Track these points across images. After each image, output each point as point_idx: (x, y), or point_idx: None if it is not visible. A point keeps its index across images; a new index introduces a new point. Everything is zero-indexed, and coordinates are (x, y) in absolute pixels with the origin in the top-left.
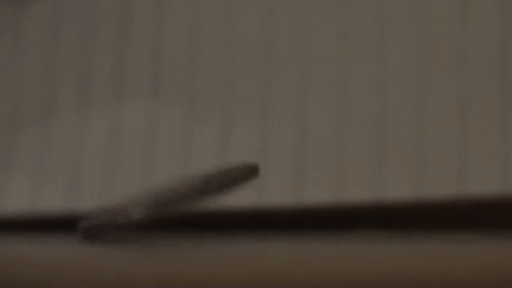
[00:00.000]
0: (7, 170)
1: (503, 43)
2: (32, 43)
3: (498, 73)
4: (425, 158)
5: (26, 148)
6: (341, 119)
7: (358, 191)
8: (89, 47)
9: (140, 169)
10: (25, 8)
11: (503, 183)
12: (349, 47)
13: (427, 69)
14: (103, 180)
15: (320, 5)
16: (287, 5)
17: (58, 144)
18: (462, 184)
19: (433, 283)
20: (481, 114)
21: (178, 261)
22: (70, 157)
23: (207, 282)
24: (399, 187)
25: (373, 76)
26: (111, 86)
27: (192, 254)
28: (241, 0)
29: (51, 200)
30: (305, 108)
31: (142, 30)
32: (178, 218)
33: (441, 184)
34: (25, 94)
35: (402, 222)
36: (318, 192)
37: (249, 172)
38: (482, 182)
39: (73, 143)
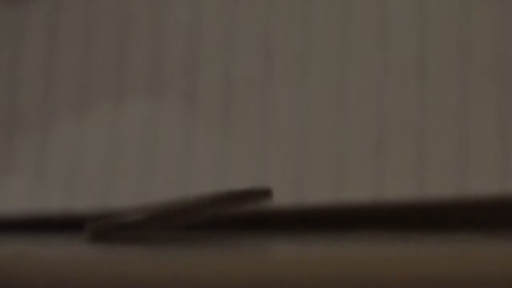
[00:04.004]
0: (7, 170)
1: (503, 43)
2: (32, 43)
3: (498, 73)
4: (425, 158)
5: (26, 148)
6: (341, 119)
7: (358, 191)
8: (89, 47)
9: (139, 169)
10: (25, 8)
11: (503, 183)
12: (349, 47)
13: (427, 69)
14: (103, 180)
15: (320, 6)
16: (288, 5)
17: (58, 144)
18: (462, 184)
19: (433, 283)
20: (481, 114)
21: (180, 261)
22: (70, 157)
23: (208, 282)
24: (399, 187)
25: (373, 76)
26: (111, 86)
27: (194, 254)
28: (241, 0)
29: (51, 200)
30: (305, 108)
31: (142, 30)
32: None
33: (441, 184)
34: (25, 94)
35: (402, 222)
36: (318, 192)
37: (262, 196)
38: (482, 182)
39: (73, 143)
